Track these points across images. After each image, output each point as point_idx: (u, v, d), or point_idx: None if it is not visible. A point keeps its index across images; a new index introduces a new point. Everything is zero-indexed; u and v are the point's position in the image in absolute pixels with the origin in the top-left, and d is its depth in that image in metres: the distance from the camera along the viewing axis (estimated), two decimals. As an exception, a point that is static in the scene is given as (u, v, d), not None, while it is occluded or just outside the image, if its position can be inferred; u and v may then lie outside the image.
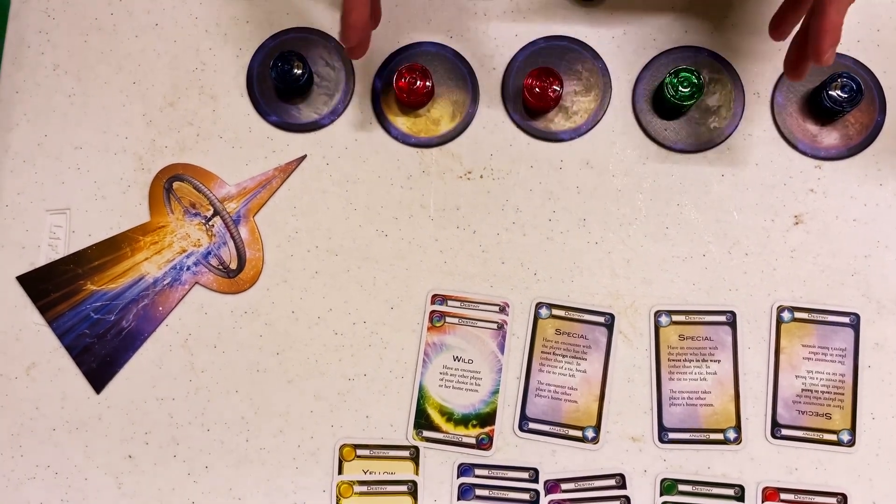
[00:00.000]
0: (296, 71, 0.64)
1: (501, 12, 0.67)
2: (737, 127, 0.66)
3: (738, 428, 0.63)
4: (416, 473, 0.63)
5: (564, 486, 0.63)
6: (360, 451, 0.64)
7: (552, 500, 0.63)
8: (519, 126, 0.66)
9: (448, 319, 0.65)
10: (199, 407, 0.65)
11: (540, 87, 0.64)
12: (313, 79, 0.67)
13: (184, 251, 0.66)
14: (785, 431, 0.63)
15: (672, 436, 0.63)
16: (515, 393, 0.64)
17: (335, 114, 0.67)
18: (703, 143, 0.66)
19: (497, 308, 0.65)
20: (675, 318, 0.64)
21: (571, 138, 0.66)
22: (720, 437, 0.63)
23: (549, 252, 0.65)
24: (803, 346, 0.63)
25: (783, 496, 0.62)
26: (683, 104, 0.63)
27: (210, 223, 0.66)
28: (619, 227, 0.65)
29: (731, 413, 0.63)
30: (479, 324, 0.65)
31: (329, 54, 0.67)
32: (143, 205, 0.67)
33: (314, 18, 0.68)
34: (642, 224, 0.65)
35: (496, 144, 0.66)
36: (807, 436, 0.63)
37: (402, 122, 0.67)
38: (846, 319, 0.63)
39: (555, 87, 0.64)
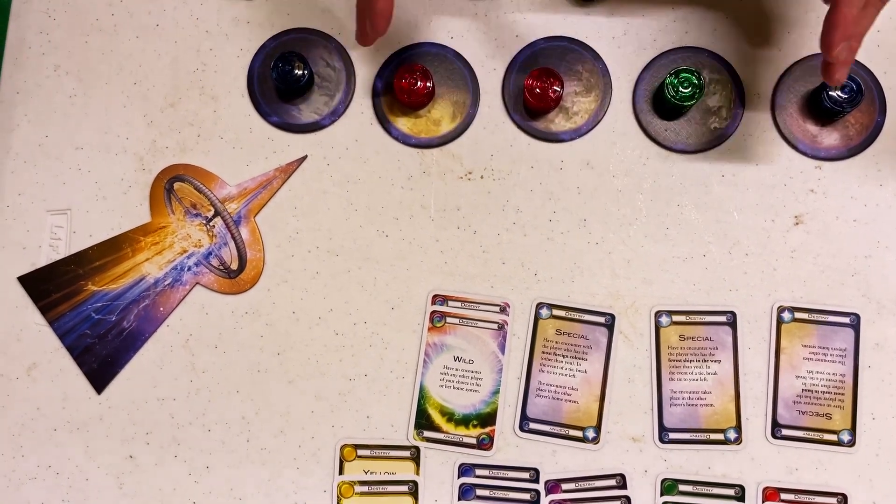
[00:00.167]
0: (296, 72, 0.64)
1: (502, 13, 0.68)
2: (737, 127, 0.66)
3: (738, 428, 0.63)
4: (417, 473, 0.63)
5: (565, 487, 0.63)
6: (360, 452, 0.64)
7: (553, 501, 0.63)
8: (519, 126, 0.66)
9: (449, 320, 0.65)
10: (199, 407, 0.65)
11: (540, 87, 0.64)
12: (314, 79, 0.67)
13: (185, 252, 0.66)
14: (785, 431, 0.63)
15: (672, 436, 0.63)
16: (516, 393, 0.64)
17: (336, 114, 0.67)
18: (703, 144, 0.66)
19: (498, 308, 0.65)
20: (676, 318, 0.64)
21: (572, 139, 0.66)
22: (720, 437, 0.63)
23: (549, 252, 0.65)
24: (804, 346, 0.63)
25: (783, 496, 0.62)
26: (684, 105, 0.63)
27: (211, 224, 0.67)
28: (620, 228, 0.65)
29: (732, 413, 0.63)
30: (480, 324, 0.65)
31: (330, 55, 0.68)
32: (143, 205, 0.67)
33: (315, 19, 0.68)
34: (643, 224, 0.65)
35: (497, 145, 0.66)
36: (807, 436, 0.63)
37: (402, 123, 0.67)
38: (846, 320, 0.63)
39: (555, 87, 0.64)
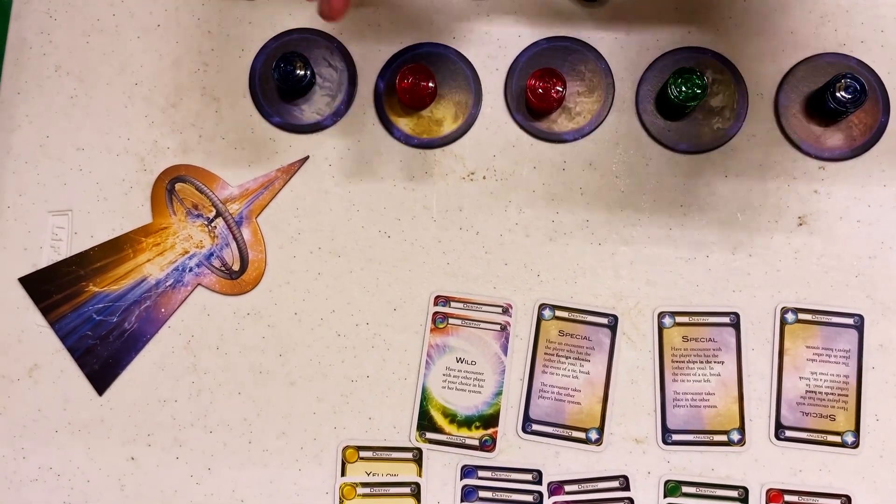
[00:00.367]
0: (298, 72, 0.64)
1: (504, 13, 0.67)
2: (740, 128, 0.65)
3: (741, 429, 0.63)
4: (420, 475, 0.63)
5: (568, 488, 0.63)
6: (362, 453, 0.64)
7: (556, 502, 0.62)
8: (522, 127, 0.66)
9: (451, 321, 0.65)
10: (201, 409, 0.65)
11: (543, 87, 0.63)
12: (315, 80, 0.67)
13: (186, 252, 0.66)
14: (789, 433, 0.63)
15: (676, 437, 0.63)
16: (519, 394, 0.64)
17: (338, 115, 0.67)
18: (706, 144, 0.65)
19: (500, 309, 0.65)
20: (679, 319, 0.64)
21: (575, 139, 0.66)
22: (724, 438, 0.63)
23: (552, 253, 0.65)
24: (807, 347, 0.63)
25: (787, 498, 0.62)
26: (687, 105, 0.63)
27: (212, 224, 0.66)
28: (623, 229, 0.65)
29: (735, 414, 0.63)
30: (483, 325, 0.64)
31: (331, 55, 0.67)
32: (145, 206, 0.67)
33: (316, 19, 0.68)
34: (646, 225, 0.65)
35: (499, 145, 0.66)
36: (811, 437, 0.62)
37: (404, 123, 0.67)
38: (850, 321, 0.63)
39: (558, 87, 0.63)
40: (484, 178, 0.66)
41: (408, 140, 0.66)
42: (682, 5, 0.67)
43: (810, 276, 0.64)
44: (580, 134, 0.66)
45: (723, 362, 0.63)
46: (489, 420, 0.64)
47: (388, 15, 0.67)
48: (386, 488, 0.63)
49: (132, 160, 0.67)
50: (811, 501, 0.62)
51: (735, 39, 0.66)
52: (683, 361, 0.63)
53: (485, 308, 0.65)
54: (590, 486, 0.63)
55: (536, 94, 0.64)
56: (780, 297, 0.64)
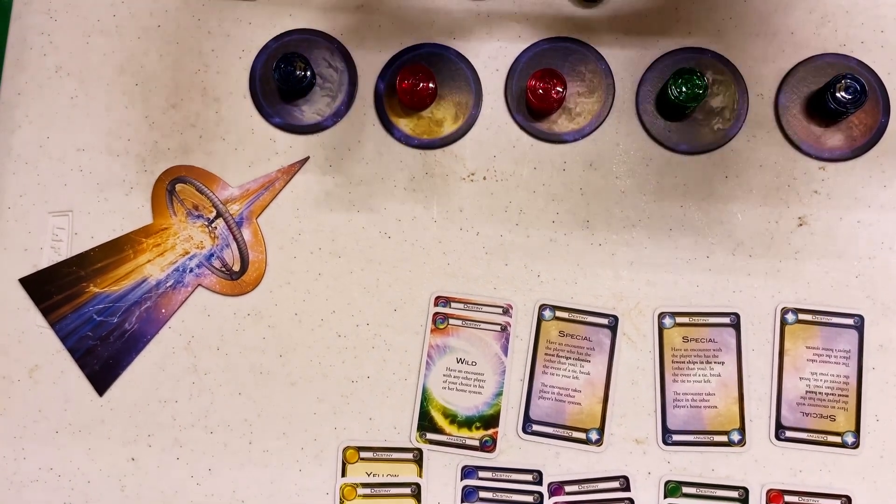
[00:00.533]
0: (298, 72, 0.64)
1: (504, 14, 0.67)
2: (741, 128, 0.65)
3: (742, 430, 0.63)
4: (420, 476, 0.63)
5: (568, 489, 0.63)
6: (363, 454, 0.64)
7: (556, 503, 0.62)
8: (522, 127, 0.66)
9: (451, 321, 0.65)
10: (201, 409, 0.65)
11: (543, 88, 0.63)
12: (316, 80, 0.67)
13: (186, 253, 0.66)
14: (789, 433, 0.63)
15: (676, 438, 0.63)
16: (519, 395, 0.64)
17: (338, 115, 0.67)
18: (706, 145, 0.65)
19: (500, 310, 0.65)
20: (679, 319, 0.64)
21: (575, 140, 0.66)
22: (724, 439, 0.63)
23: (552, 254, 0.65)
24: (807, 347, 0.63)
25: (787, 498, 0.62)
26: (687, 105, 0.63)
27: (213, 225, 0.66)
28: (623, 229, 0.65)
29: (735, 415, 0.63)
30: (483, 326, 0.64)
31: (332, 55, 0.67)
32: (145, 207, 0.67)
33: (316, 20, 0.68)
34: (646, 226, 0.65)
35: (499, 146, 0.66)
36: (811, 438, 0.62)
37: (404, 124, 0.67)
38: (850, 321, 0.63)
39: (558, 88, 0.63)
40: (484, 178, 0.66)
41: (408, 141, 0.66)
42: (682, 6, 0.67)
43: (810, 277, 0.64)
44: (580, 134, 0.66)
45: (723, 363, 0.63)
46: (489, 420, 0.64)
47: (388, 16, 0.67)
48: (386, 489, 0.63)
49: (132, 161, 0.67)
50: (811, 502, 0.62)
51: (735, 40, 0.66)
52: (684, 362, 0.64)
53: (485, 308, 0.65)
54: (590, 486, 0.63)
55: (537, 95, 0.64)
56: (781, 297, 0.64)
